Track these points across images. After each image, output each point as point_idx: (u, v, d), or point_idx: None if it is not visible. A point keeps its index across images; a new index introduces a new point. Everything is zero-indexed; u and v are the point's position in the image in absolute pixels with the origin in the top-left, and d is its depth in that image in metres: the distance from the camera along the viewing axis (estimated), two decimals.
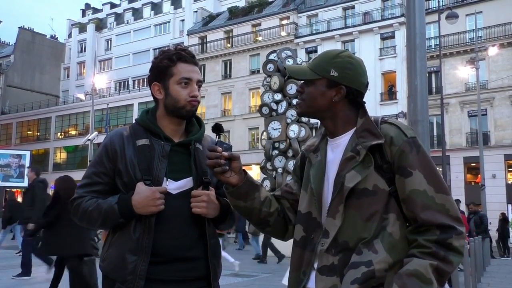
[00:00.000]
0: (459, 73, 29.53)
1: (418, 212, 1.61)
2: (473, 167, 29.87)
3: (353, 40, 35.83)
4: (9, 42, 62.12)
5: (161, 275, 1.93)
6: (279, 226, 1.93)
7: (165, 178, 1.97)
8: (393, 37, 34.45)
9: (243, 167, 1.85)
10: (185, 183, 2.00)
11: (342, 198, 1.65)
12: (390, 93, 33.65)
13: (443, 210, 1.61)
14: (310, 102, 1.77)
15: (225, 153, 1.80)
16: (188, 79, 2.01)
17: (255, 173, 33.48)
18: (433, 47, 30.93)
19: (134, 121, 2.13)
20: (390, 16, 34.86)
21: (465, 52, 30.78)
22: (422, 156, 1.66)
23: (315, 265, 1.70)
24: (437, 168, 1.70)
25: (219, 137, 1.90)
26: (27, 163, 40.14)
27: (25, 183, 39.12)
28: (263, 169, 17.81)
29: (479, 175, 23.99)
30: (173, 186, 1.98)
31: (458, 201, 12.04)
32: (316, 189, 1.75)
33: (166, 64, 2.02)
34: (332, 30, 36.72)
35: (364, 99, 1.80)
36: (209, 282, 2.02)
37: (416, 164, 1.64)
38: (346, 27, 36.38)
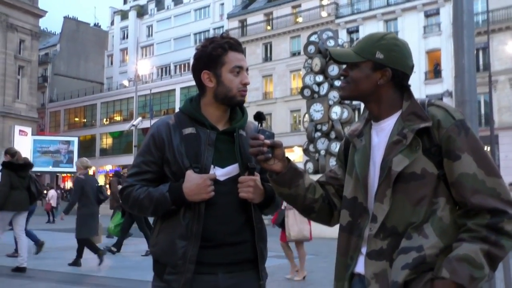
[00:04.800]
0: (509, 48, 28.45)
1: (468, 196, 1.59)
2: None
3: (395, 19, 35.03)
4: (55, 32, 63.76)
5: (210, 259, 1.98)
6: (324, 212, 1.94)
7: (212, 166, 2.01)
8: (437, 14, 33.48)
9: (285, 149, 1.86)
10: (231, 170, 2.04)
11: (390, 182, 1.63)
12: (435, 72, 32.81)
13: (494, 194, 1.58)
14: (355, 85, 1.76)
15: (267, 141, 1.82)
16: (240, 67, 2.05)
17: (297, 155, 33.46)
18: (480, 23, 29.87)
19: (178, 110, 2.17)
20: None
21: None
22: (471, 138, 1.63)
23: (363, 250, 1.70)
24: (486, 148, 1.66)
25: (261, 125, 1.92)
26: (75, 149, 41.42)
27: (74, 169, 40.45)
28: (305, 151, 17.78)
29: None
30: (220, 173, 2.02)
31: None
32: (362, 174, 1.74)
33: (220, 53, 2.05)
34: (374, 9, 35.98)
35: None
36: (256, 265, 2.06)
37: (465, 147, 1.61)
38: (388, 5, 35.57)
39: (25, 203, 8.20)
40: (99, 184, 9.71)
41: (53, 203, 25.90)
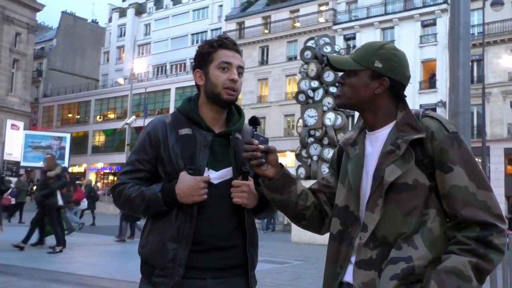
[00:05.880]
0: (503, 62, 28.68)
1: (459, 209, 1.59)
2: None
3: (392, 27, 35.19)
4: (52, 26, 63.49)
5: (199, 264, 1.95)
6: (315, 220, 1.93)
7: (206, 168, 1.98)
8: (434, 24, 33.67)
9: (278, 154, 1.86)
10: (225, 173, 2.02)
11: (382, 192, 1.64)
12: (431, 82, 32.95)
13: (484, 207, 1.58)
14: (352, 93, 1.75)
15: (262, 146, 1.81)
16: (227, 63, 2.02)
17: (289, 160, 33.46)
18: (476, 35, 30.07)
19: (175, 110, 2.14)
20: (432, 3, 34.05)
21: (509, 40, 29.87)
22: (463, 151, 1.63)
23: (352, 259, 1.70)
24: (477, 160, 1.67)
25: (255, 130, 1.90)
26: (67, 145, 41.21)
27: (65, 165, 40.31)
28: (298, 156, 17.78)
29: None
30: (214, 175, 1.99)
31: None
32: (354, 182, 1.74)
33: (207, 50, 2.04)
34: (371, 17, 36.15)
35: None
36: (247, 271, 2.03)
37: (457, 160, 1.61)
38: (386, 13, 35.74)
39: None
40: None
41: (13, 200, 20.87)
